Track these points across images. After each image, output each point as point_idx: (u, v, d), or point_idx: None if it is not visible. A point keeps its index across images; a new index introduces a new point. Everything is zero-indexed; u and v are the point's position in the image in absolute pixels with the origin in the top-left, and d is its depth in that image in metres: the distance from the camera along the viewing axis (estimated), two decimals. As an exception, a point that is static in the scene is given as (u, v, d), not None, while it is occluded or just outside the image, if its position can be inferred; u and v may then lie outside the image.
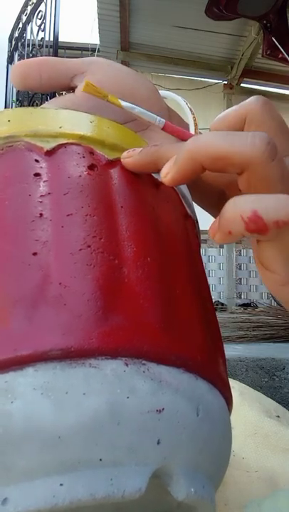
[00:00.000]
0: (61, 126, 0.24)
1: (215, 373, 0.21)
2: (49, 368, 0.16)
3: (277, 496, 0.24)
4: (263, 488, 0.31)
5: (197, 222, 0.30)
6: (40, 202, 0.21)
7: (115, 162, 0.24)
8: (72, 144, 0.24)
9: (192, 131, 0.31)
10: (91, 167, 0.23)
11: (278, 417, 0.46)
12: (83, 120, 0.25)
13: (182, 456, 0.18)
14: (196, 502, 0.18)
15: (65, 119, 0.25)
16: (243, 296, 4.07)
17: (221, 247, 3.95)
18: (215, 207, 0.37)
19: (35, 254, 0.19)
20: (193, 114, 0.32)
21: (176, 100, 0.33)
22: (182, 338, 0.20)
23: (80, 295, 0.18)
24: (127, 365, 0.17)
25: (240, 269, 4.09)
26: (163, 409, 0.17)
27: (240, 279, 4.09)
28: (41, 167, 0.22)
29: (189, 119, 0.32)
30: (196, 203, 0.33)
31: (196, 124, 0.32)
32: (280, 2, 2.55)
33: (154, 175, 0.26)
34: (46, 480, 0.15)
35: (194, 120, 0.32)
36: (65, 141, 0.24)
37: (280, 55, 2.71)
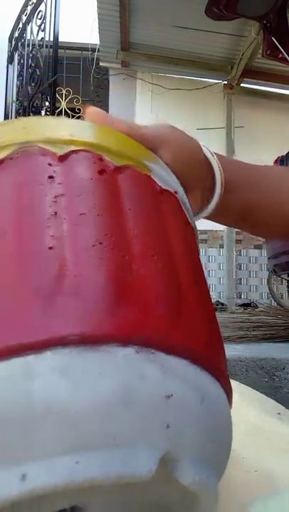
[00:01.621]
0: (72, 134, 0.26)
1: (218, 368, 0.22)
2: (66, 351, 0.18)
3: (284, 495, 0.24)
4: (262, 488, 0.31)
5: (196, 228, 0.32)
6: (55, 202, 0.23)
7: (122, 169, 0.26)
8: (83, 150, 0.26)
9: (217, 173, 0.35)
10: (100, 172, 0.25)
11: (279, 414, 0.46)
12: (92, 130, 0.28)
13: (189, 442, 0.19)
14: (201, 490, 0.19)
15: (75, 128, 0.27)
16: (243, 296, 4.07)
17: (221, 247, 3.95)
18: (239, 223, 0.42)
19: (51, 248, 0.21)
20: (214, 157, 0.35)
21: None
22: (189, 332, 0.21)
23: (94, 285, 0.20)
24: (137, 352, 0.18)
25: (240, 269, 4.10)
26: (172, 395, 0.18)
27: (240, 279, 4.09)
28: (54, 171, 0.24)
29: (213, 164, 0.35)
30: (219, 222, 0.39)
31: (220, 172, 0.35)
32: (280, 2, 2.55)
33: (158, 182, 0.27)
34: (63, 458, 0.16)
35: (220, 169, 0.35)
36: (76, 148, 0.25)
37: (280, 55, 2.71)
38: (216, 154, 0.36)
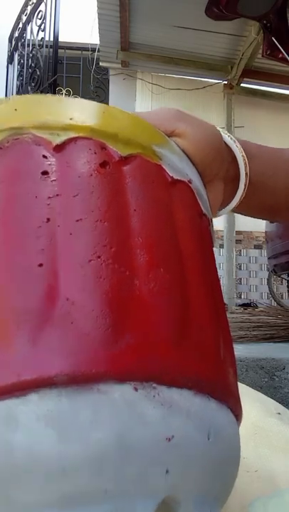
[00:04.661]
0: (72, 118, 0.22)
1: (226, 390, 0.20)
2: (54, 394, 0.15)
3: (283, 495, 0.24)
4: (263, 487, 0.31)
5: (212, 220, 0.29)
6: (48, 204, 0.20)
7: (129, 159, 0.23)
8: (83, 138, 0.22)
9: (241, 163, 0.31)
10: (103, 165, 0.22)
11: (279, 414, 0.46)
12: (95, 110, 0.23)
13: (191, 482, 0.17)
14: None
15: (75, 109, 0.23)
16: (243, 296, 4.06)
17: (221, 247, 3.95)
18: (272, 213, 0.38)
19: (40, 265, 0.18)
20: (239, 148, 0.32)
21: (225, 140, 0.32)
22: (194, 356, 0.19)
23: (88, 312, 0.17)
24: (136, 389, 0.16)
25: (240, 269, 4.09)
26: (173, 436, 0.16)
27: (240, 279, 4.09)
28: (49, 164, 0.21)
29: (238, 156, 0.32)
30: (249, 215, 0.36)
31: (244, 161, 0.32)
32: (280, 2, 2.54)
33: (169, 172, 0.24)
34: None
35: (243, 158, 0.32)
36: (75, 134, 0.22)
37: (280, 55, 2.71)
38: (240, 141, 0.32)
